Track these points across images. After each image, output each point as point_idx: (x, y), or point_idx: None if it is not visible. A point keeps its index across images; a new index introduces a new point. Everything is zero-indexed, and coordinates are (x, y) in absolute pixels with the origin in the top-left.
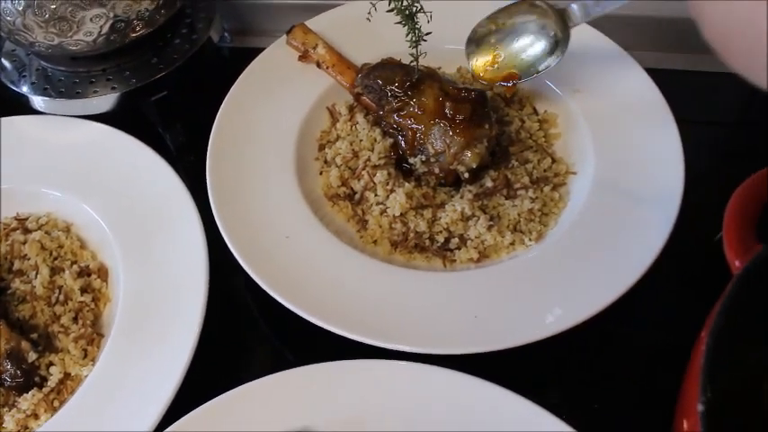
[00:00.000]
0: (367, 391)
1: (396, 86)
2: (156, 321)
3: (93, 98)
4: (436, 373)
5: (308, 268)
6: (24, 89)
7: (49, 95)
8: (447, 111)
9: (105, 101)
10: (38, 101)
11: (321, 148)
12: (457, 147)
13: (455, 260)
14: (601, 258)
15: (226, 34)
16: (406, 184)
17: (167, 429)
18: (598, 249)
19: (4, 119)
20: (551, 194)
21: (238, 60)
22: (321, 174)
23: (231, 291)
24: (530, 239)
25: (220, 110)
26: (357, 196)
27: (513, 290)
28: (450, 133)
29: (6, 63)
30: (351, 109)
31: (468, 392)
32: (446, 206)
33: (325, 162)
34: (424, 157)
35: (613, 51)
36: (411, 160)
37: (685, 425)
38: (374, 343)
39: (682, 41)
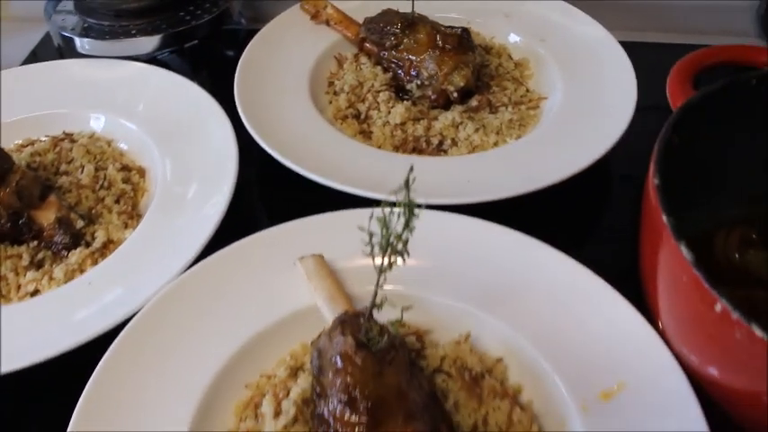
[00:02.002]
0: None
1: (395, 26)
2: (190, 202)
3: (136, 38)
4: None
5: (322, 153)
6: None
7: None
8: (438, 41)
9: (148, 42)
10: (86, 43)
11: (330, 84)
12: (447, 68)
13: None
14: (575, 140)
15: (242, 20)
16: (405, 102)
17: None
18: (571, 136)
19: (57, 61)
20: (527, 112)
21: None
22: (330, 103)
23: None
24: (510, 138)
25: (243, 54)
26: (362, 115)
27: (500, 161)
28: (442, 58)
29: (60, 18)
30: (355, 56)
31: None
32: (439, 117)
33: (334, 93)
34: (419, 82)
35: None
36: (408, 86)
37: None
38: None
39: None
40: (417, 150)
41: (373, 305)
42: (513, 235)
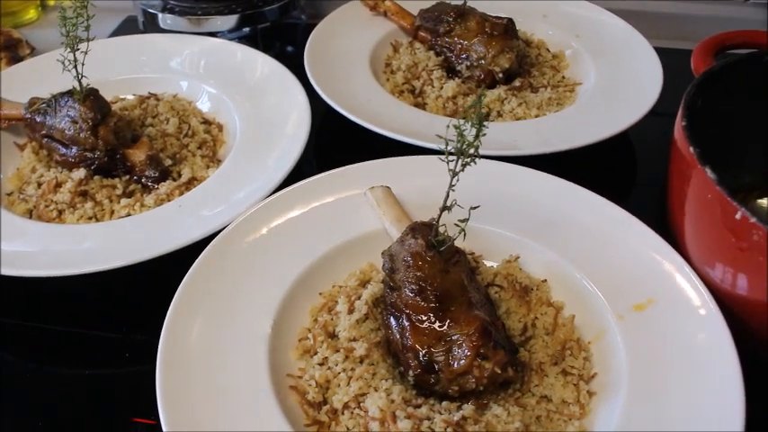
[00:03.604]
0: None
1: (448, 15)
2: (266, 148)
3: (213, 17)
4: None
5: (383, 113)
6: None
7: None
8: (486, 28)
9: (224, 21)
10: (168, 19)
11: (387, 65)
12: (494, 51)
13: None
14: (607, 113)
15: (303, 16)
16: (457, 80)
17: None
18: (604, 111)
19: (142, 35)
20: (564, 93)
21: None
22: (388, 80)
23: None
24: (550, 113)
25: (310, 37)
26: (417, 90)
27: (542, 127)
28: (489, 42)
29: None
30: (410, 43)
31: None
32: (486, 92)
33: (392, 72)
34: (468, 63)
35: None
36: (458, 67)
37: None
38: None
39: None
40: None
41: (444, 208)
42: (554, 180)
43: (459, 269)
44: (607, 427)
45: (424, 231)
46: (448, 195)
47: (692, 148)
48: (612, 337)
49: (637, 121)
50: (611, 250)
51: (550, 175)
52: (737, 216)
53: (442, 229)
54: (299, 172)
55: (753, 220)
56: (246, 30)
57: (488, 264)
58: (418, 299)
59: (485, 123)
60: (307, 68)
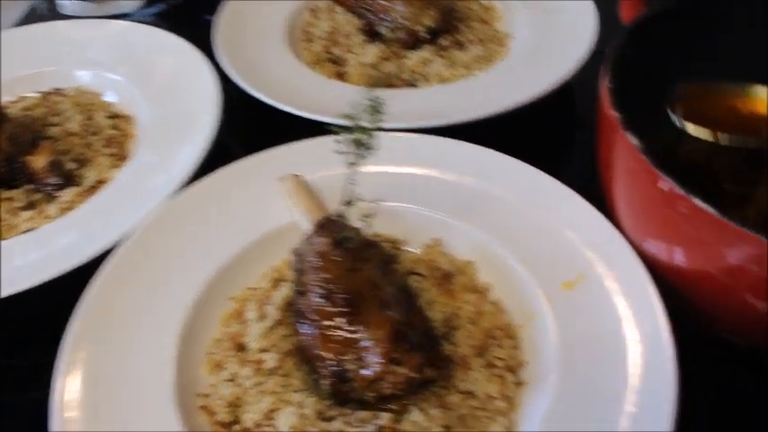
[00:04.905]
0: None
1: None
2: (175, 142)
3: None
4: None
5: (297, 90)
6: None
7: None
8: None
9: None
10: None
11: (306, 33)
12: (416, 9)
13: None
14: (538, 69)
15: None
16: (377, 44)
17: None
18: (535, 67)
19: (44, 23)
20: (494, 48)
21: None
22: (306, 51)
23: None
24: (479, 72)
25: (220, 9)
26: (337, 59)
27: (468, 90)
28: (410, 0)
29: None
30: (329, 6)
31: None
32: (410, 55)
33: (310, 41)
34: (390, 25)
35: None
36: (380, 29)
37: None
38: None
39: None
40: (391, 86)
41: (346, 202)
42: (481, 151)
43: (371, 265)
44: (534, 420)
45: (332, 227)
46: (348, 191)
47: (614, 112)
48: (542, 320)
49: (568, 78)
50: (543, 224)
51: (477, 146)
52: (664, 186)
53: (349, 222)
54: (228, 161)
55: (679, 190)
56: (159, 7)
57: (412, 249)
58: (325, 304)
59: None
60: (216, 46)
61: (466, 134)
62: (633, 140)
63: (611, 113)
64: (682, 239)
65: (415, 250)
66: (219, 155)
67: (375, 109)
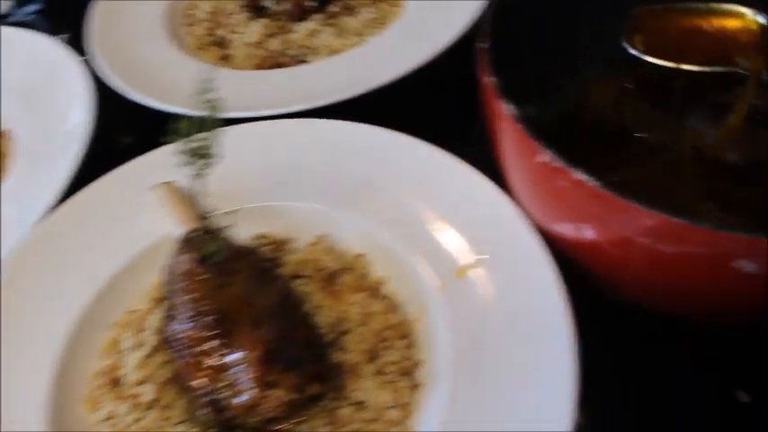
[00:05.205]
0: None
1: None
2: (49, 156)
3: None
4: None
5: (175, 81)
6: None
7: None
8: None
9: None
10: None
11: (187, 16)
12: None
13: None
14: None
15: None
16: (262, 20)
17: None
18: (431, 26)
19: None
20: (388, 8)
21: None
22: (188, 36)
23: None
24: (371, 37)
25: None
26: (222, 40)
27: (357, 62)
28: None
29: None
30: None
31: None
32: (295, 29)
33: (192, 25)
34: None
35: None
36: (263, 3)
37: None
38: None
39: None
40: (280, 65)
41: (203, 217)
42: (366, 129)
43: (243, 277)
44: (432, 423)
45: (195, 243)
46: (204, 205)
47: (489, 78)
48: (436, 312)
49: (467, 34)
50: (438, 206)
51: (363, 125)
52: (543, 159)
53: (219, 233)
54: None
55: (558, 163)
56: (36, 5)
57: (298, 244)
58: (194, 328)
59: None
60: (90, 41)
61: (355, 110)
62: (509, 109)
63: (486, 79)
64: (571, 213)
65: (301, 248)
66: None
67: (210, 105)
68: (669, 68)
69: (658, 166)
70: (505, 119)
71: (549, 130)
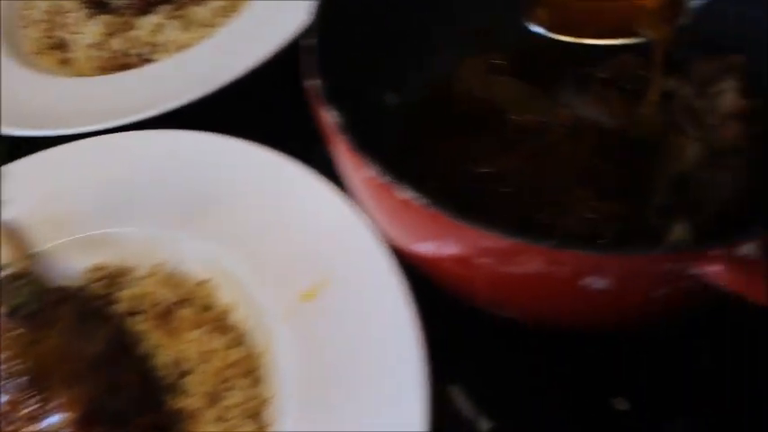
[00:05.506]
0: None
1: None
2: None
3: None
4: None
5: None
6: None
7: None
8: None
9: None
10: None
11: (23, 17)
12: None
13: None
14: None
15: None
16: (104, 16)
17: None
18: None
19: None
20: None
21: None
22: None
23: None
24: (221, 27)
25: None
26: (62, 42)
27: (201, 59)
28: None
29: None
30: None
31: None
32: (138, 24)
33: (27, 27)
34: None
35: None
36: None
37: None
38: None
39: None
40: (125, 66)
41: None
42: (201, 139)
43: (63, 327)
44: None
45: (5, 293)
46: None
47: (312, 80)
48: (283, 342)
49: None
50: (283, 221)
51: (200, 134)
52: (371, 174)
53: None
54: None
55: (383, 179)
56: None
57: (137, 275)
58: (8, 392)
59: None
60: None
61: (200, 114)
62: (333, 117)
63: (310, 83)
64: (408, 230)
65: (138, 280)
66: None
67: None
68: (542, 39)
69: (533, 150)
70: (330, 128)
71: (412, 122)
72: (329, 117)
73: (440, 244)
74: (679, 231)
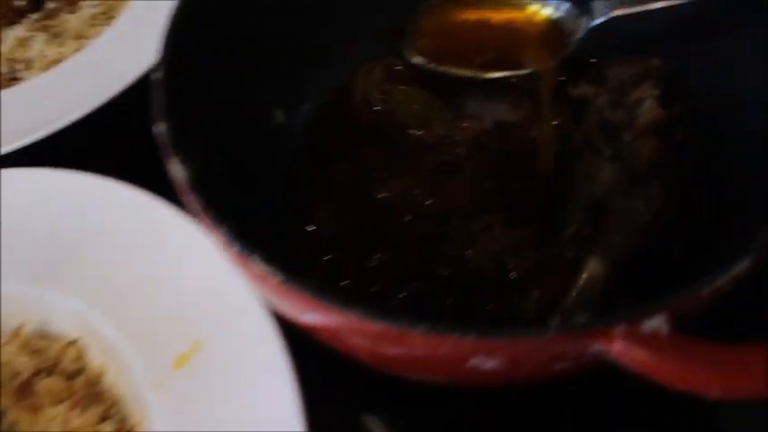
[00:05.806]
0: None
1: None
2: None
3: None
4: None
5: None
6: None
7: None
8: None
9: None
10: None
11: None
12: None
13: None
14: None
15: None
16: None
17: None
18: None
19: None
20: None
21: None
22: None
23: None
24: (94, 39)
25: None
26: None
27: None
28: None
29: None
30: None
31: None
32: (4, 37)
33: None
34: None
35: None
36: None
37: None
38: None
39: None
40: None
41: None
42: (66, 178)
43: None
44: None
45: None
46: None
47: (159, 123)
48: (156, 414)
49: None
50: (158, 275)
51: (65, 172)
52: (221, 240)
53: None
54: None
55: (235, 247)
56: None
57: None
58: None
59: None
60: None
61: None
62: (179, 170)
63: (157, 127)
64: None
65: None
66: None
67: None
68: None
69: (436, 170)
70: (178, 183)
71: (304, 142)
72: (177, 170)
73: (306, 318)
74: (594, 266)
